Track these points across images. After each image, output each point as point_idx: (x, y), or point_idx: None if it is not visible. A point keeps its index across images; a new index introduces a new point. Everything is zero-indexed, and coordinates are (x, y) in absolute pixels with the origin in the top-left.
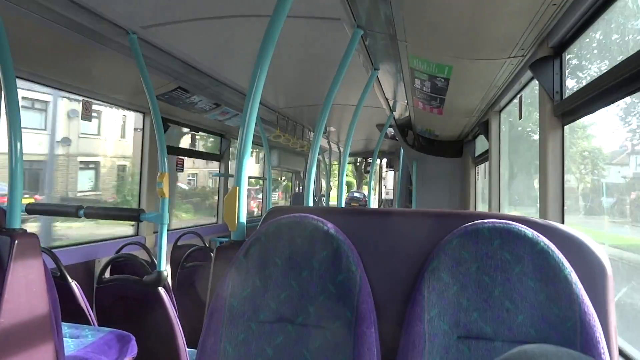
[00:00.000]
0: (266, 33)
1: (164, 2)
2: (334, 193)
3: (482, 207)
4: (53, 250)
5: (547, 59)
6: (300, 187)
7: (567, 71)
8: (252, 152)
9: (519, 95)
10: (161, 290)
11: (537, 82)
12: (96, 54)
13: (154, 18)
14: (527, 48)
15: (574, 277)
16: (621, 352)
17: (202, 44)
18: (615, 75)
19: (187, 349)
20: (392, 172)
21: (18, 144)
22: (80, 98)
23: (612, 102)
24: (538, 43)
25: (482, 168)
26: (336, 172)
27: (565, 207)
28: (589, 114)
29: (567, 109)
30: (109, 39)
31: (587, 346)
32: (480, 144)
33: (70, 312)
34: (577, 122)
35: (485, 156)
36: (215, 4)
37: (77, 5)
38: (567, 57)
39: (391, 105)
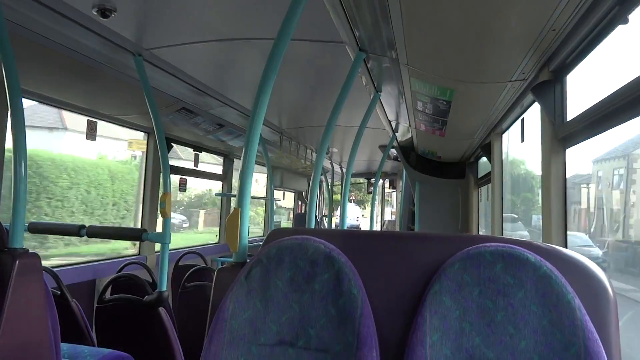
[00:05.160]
0: (270, 56)
1: (169, 25)
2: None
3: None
4: (54, 270)
5: (548, 82)
6: (302, 208)
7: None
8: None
9: (520, 118)
10: (161, 310)
11: (538, 105)
12: (102, 75)
13: (159, 40)
14: (528, 72)
15: (577, 302)
16: None
17: (207, 65)
18: (617, 99)
19: None
20: (395, 192)
21: (22, 163)
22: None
23: (614, 126)
24: (539, 67)
25: (484, 190)
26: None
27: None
28: (590, 137)
29: (569, 133)
30: (115, 60)
31: None
32: (483, 166)
33: (70, 331)
34: None
35: (487, 178)
36: (220, 27)
37: (84, 28)
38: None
39: (393, 127)
